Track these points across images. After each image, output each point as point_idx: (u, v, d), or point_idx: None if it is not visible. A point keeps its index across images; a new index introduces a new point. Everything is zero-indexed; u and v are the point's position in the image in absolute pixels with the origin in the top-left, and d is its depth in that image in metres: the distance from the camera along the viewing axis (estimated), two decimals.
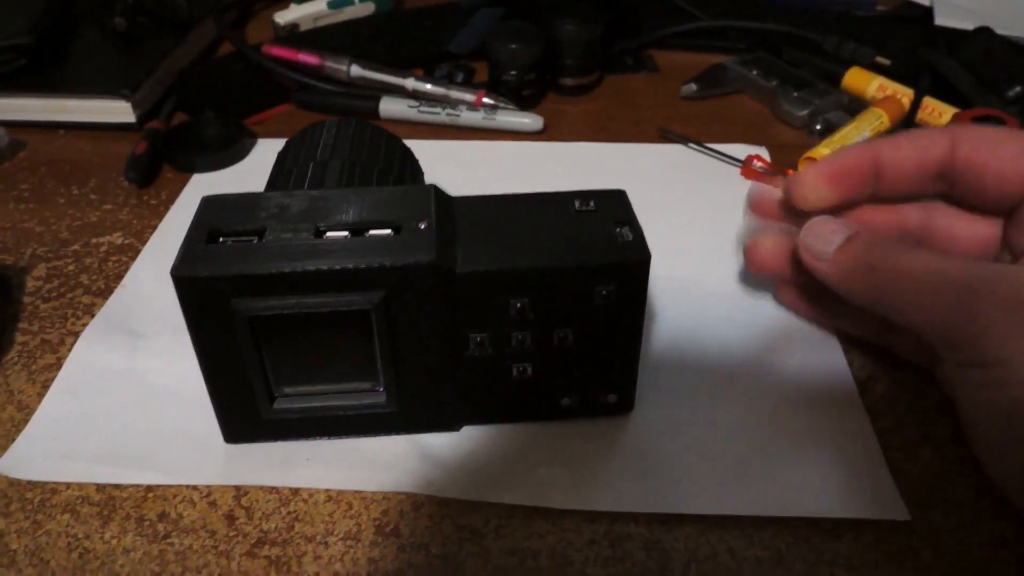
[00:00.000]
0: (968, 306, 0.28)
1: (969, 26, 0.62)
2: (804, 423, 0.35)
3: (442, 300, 0.30)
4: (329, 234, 0.30)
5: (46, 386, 0.37)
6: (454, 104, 0.56)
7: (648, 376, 0.36)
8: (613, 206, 0.32)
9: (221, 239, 0.30)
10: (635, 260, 0.30)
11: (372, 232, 0.30)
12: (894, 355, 0.38)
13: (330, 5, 0.68)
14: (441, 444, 0.34)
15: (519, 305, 0.30)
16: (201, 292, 0.29)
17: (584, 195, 0.33)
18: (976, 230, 0.35)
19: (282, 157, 0.39)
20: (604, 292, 0.30)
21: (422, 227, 0.30)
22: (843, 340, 0.39)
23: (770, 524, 0.31)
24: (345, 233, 0.30)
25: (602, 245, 0.30)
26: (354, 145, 0.38)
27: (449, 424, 0.34)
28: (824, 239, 0.33)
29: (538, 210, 0.32)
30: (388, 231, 0.30)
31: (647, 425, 0.35)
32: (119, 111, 0.55)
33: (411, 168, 0.40)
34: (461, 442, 0.34)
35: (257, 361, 0.31)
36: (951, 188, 0.34)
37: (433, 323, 0.30)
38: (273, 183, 0.38)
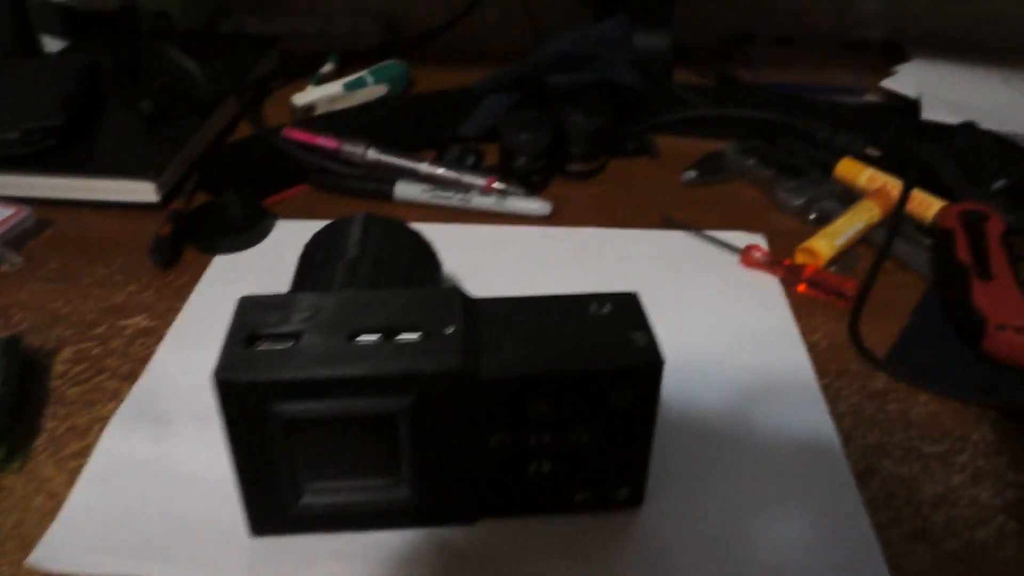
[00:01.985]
0: None
1: (954, 120, 0.65)
2: (804, 518, 0.36)
3: (466, 402, 0.32)
4: (361, 338, 0.32)
5: (74, 474, 0.38)
6: (466, 188, 0.59)
7: (656, 466, 0.38)
8: (627, 310, 0.34)
9: (258, 343, 0.32)
10: (649, 365, 0.32)
11: (401, 336, 0.32)
12: (886, 446, 0.40)
13: (346, 87, 0.71)
14: (459, 537, 0.35)
15: (538, 407, 0.32)
16: (241, 395, 0.30)
17: (600, 298, 0.35)
18: None
19: (311, 250, 0.41)
20: (620, 394, 0.32)
21: (448, 332, 0.32)
22: (839, 432, 0.41)
23: None
24: (377, 337, 0.32)
25: (618, 350, 0.32)
26: (382, 243, 0.40)
27: (467, 517, 0.36)
28: None
29: (556, 313, 0.34)
30: (417, 335, 0.32)
31: (656, 518, 0.36)
32: (144, 191, 0.57)
33: (433, 263, 0.42)
34: (478, 535, 0.35)
35: (288, 459, 0.32)
36: None
37: (457, 424, 0.32)
38: (303, 277, 0.39)
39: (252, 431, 0.31)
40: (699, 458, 0.39)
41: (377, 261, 0.39)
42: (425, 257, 0.42)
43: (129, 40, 0.68)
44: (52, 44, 0.79)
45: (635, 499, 0.36)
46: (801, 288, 0.51)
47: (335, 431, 0.32)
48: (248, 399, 0.31)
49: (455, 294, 0.34)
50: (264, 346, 0.32)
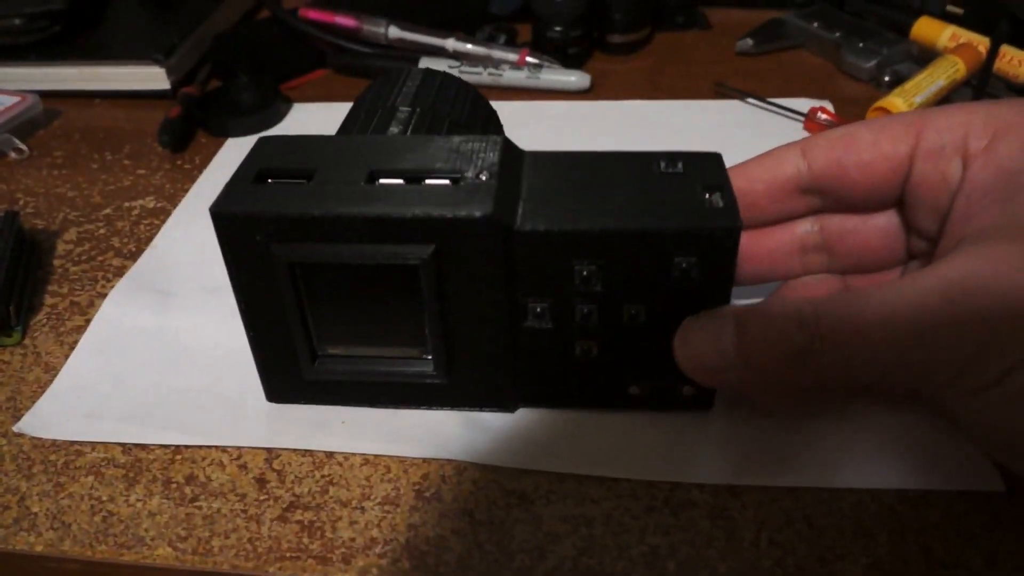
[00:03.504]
0: (939, 337, 0.23)
1: None
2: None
3: (498, 260, 0.27)
4: (382, 180, 0.27)
5: (73, 347, 0.35)
6: (496, 64, 0.54)
7: None
8: (704, 169, 0.28)
9: (269, 179, 0.28)
10: (722, 228, 0.26)
11: (428, 181, 0.27)
12: None
13: None
14: (492, 420, 0.31)
15: (585, 273, 0.27)
16: (239, 232, 0.27)
17: (671, 156, 0.29)
18: (874, 223, 0.31)
19: (360, 99, 0.37)
20: (684, 264, 0.26)
21: (482, 178, 0.27)
22: None
23: (850, 492, 0.28)
24: (399, 181, 0.27)
25: (685, 210, 0.26)
26: (435, 95, 0.35)
27: (504, 403, 0.31)
28: (710, 347, 0.26)
29: (616, 170, 0.28)
30: (446, 181, 0.27)
31: (729, 416, 0.31)
32: (153, 77, 0.54)
33: (492, 129, 0.37)
34: (515, 423, 0.31)
35: (298, 314, 0.28)
36: (825, 200, 0.30)
37: (488, 285, 0.27)
38: (343, 126, 0.35)
39: (258, 278, 0.28)
40: None
41: (419, 112, 0.34)
42: (486, 121, 0.37)
43: None
44: None
45: (703, 400, 0.30)
46: None
47: (352, 286, 0.28)
48: (248, 237, 0.27)
49: (497, 141, 0.29)
50: (276, 183, 0.28)
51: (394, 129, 0.33)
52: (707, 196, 0.27)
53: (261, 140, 0.30)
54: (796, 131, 0.48)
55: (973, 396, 0.23)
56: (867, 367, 0.24)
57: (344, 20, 0.57)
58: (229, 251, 0.27)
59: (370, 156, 0.28)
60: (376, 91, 0.37)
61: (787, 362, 0.24)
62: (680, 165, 0.28)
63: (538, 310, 0.28)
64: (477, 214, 0.26)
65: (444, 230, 0.26)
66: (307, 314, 0.29)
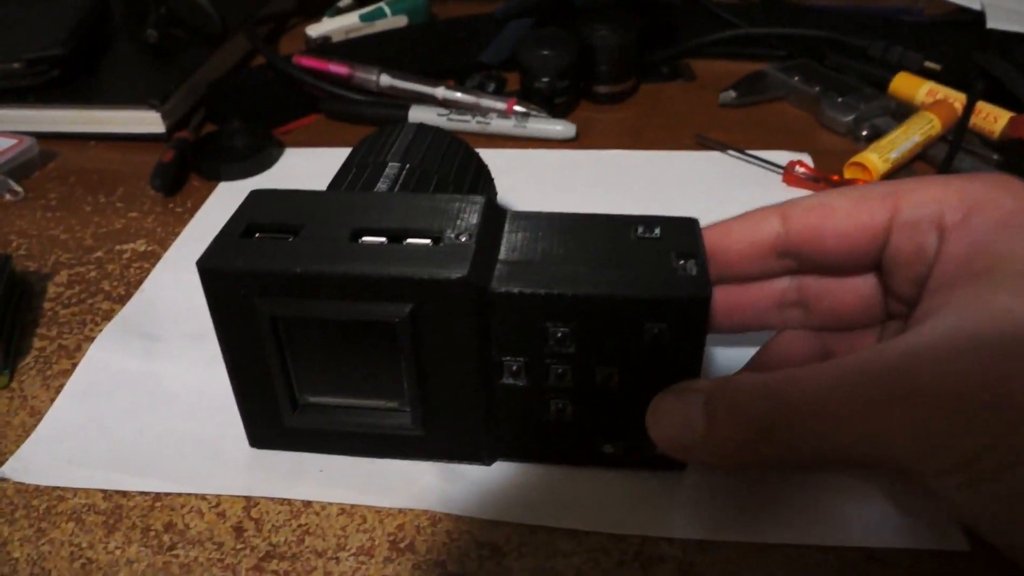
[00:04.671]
0: (898, 418, 0.23)
1: (1022, 29, 0.59)
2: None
3: (474, 320, 0.27)
4: (365, 238, 0.28)
5: (59, 391, 0.36)
6: (484, 112, 0.55)
7: None
8: (680, 235, 0.29)
9: (257, 234, 0.29)
10: (691, 297, 0.26)
11: (409, 240, 0.28)
12: None
13: (362, 18, 0.67)
14: (468, 471, 0.31)
15: (558, 334, 0.27)
16: (225, 286, 0.28)
17: (650, 221, 0.29)
18: (852, 285, 0.31)
19: (354, 152, 0.38)
20: (655, 330, 0.27)
21: (462, 240, 0.28)
22: None
23: (817, 550, 0.28)
24: (382, 239, 0.28)
25: (657, 277, 0.27)
26: (425, 151, 0.36)
27: (480, 456, 0.31)
28: (680, 424, 0.26)
29: (594, 233, 0.29)
30: (427, 241, 0.28)
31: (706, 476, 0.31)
32: (148, 121, 0.55)
33: (482, 185, 0.38)
34: (490, 475, 0.31)
35: (280, 364, 0.29)
36: (802, 263, 0.31)
37: (464, 343, 0.28)
38: (335, 179, 0.36)
39: (243, 329, 0.28)
40: None
41: (409, 169, 0.35)
42: (475, 177, 0.38)
43: None
44: None
45: (676, 460, 0.30)
46: None
47: (333, 340, 0.29)
48: (233, 291, 0.28)
49: (479, 202, 0.30)
50: (262, 238, 0.29)
51: (382, 186, 0.34)
52: (681, 263, 0.27)
53: (252, 193, 0.31)
54: (775, 183, 0.49)
55: (936, 479, 0.24)
56: (831, 441, 0.24)
57: (337, 68, 0.59)
58: (214, 303, 0.28)
59: (355, 213, 0.29)
60: (369, 146, 0.38)
61: (753, 437, 0.25)
62: (657, 231, 0.29)
63: (514, 368, 0.29)
64: (453, 276, 0.26)
65: (421, 290, 0.27)
66: (288, 364, 0.29)
